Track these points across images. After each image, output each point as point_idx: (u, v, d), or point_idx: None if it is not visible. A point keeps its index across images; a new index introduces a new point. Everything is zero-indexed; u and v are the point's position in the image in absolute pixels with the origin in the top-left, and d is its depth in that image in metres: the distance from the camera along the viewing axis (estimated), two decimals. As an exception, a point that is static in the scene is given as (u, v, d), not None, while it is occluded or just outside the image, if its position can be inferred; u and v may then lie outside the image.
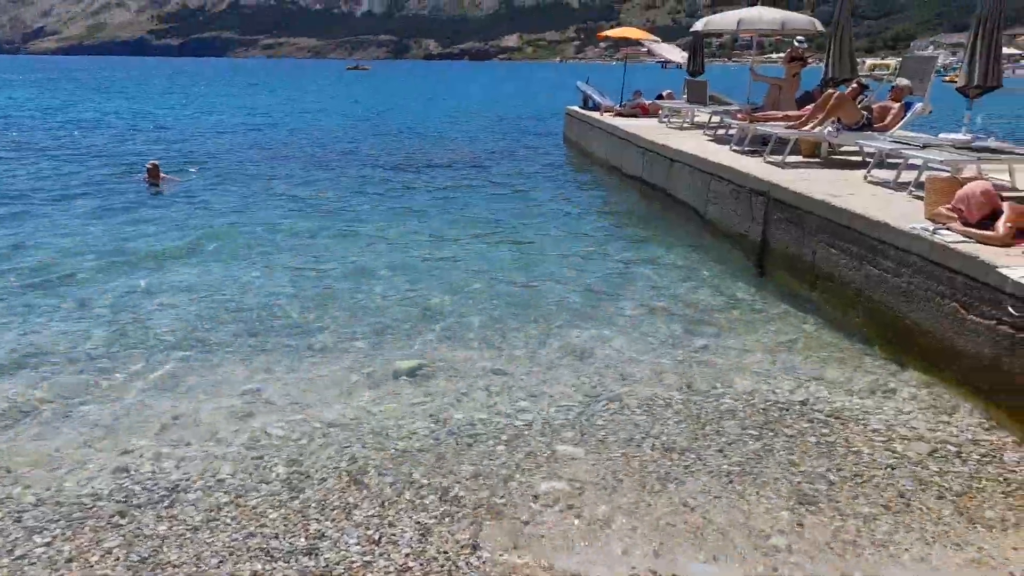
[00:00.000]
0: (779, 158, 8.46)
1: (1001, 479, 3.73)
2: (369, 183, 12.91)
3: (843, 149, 9.36)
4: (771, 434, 4.24)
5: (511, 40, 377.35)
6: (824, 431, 4.27)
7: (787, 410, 4.55)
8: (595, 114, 15.61)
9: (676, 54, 16.89)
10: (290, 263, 7.74)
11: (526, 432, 4.28)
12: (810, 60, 12.12)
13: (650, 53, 18.70)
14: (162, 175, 12.09)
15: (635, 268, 7.70)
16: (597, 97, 17.29)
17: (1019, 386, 4.18)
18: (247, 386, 4.85)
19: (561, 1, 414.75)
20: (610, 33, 17.77)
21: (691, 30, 13.09)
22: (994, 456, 3.95)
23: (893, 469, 3.83)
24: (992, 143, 7.55)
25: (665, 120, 13.71)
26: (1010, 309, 4.20)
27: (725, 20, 11.67)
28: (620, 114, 14.98)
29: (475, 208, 10.83)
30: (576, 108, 17.90)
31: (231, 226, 9.33)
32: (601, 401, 4.69)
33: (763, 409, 4.55)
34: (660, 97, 15.77)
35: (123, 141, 18.98)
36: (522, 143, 19.50)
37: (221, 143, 18.77)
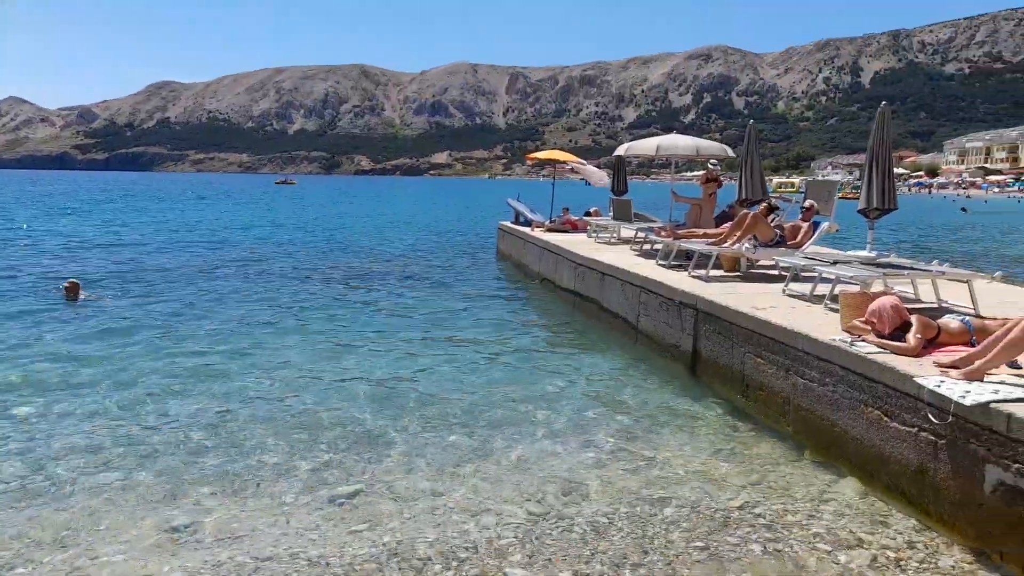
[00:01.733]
0: (703, 272, 8.93)
1: (939, 585, 3.85)
2: (296, 299, 12.79)
3: (760, 263, 9.95)
4: (716, 543, 4.27)
5: (441, 157, 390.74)
6: (767, 535, 4.33)
7: (728, 518, 4.60)
8: (527, 229, 16.17)
9: (597, 177, 17.85)
10: (214, 388, 7.33)
11: (473, 555, 4.16)
12: (724, 181, 13.05)
13: (575, 171, 19.73)
14: (81, 293, 11.68)
15: (573, 380, 7.81)
16: (528, 213, 17.97)
17: (945, 493, 4.38)
18: (172, 522, 4.52)
19: (488, 122, 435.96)
20: (538, 155, 18.75)
21: (614, 154, 13.98)
22: (931, 562, 4.08)
23: (838, 579, 3.89)
24: (895, 259, 8.23)
25: (594, 235, 14.33)
26: (930, 417, 4.47)
27: (645, 146, 12.55)
28: (551, 229, 15.57)
29: (410, 323, 10.85)
30: (508, 224, 18.51)
31: (146, 347, 8.91)
32: (548, 518, 4.63)
33: (708, 517, 4.60)
34: (588, 214, 16.55)
35: (34, 257, 18.36)
36: (458, 257, 19.90)
37: (139, 259, 18.38)
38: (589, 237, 14.34)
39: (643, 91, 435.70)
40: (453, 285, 14.50)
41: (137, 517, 4.59)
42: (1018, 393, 4.23)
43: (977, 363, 4.58)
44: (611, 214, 14.32)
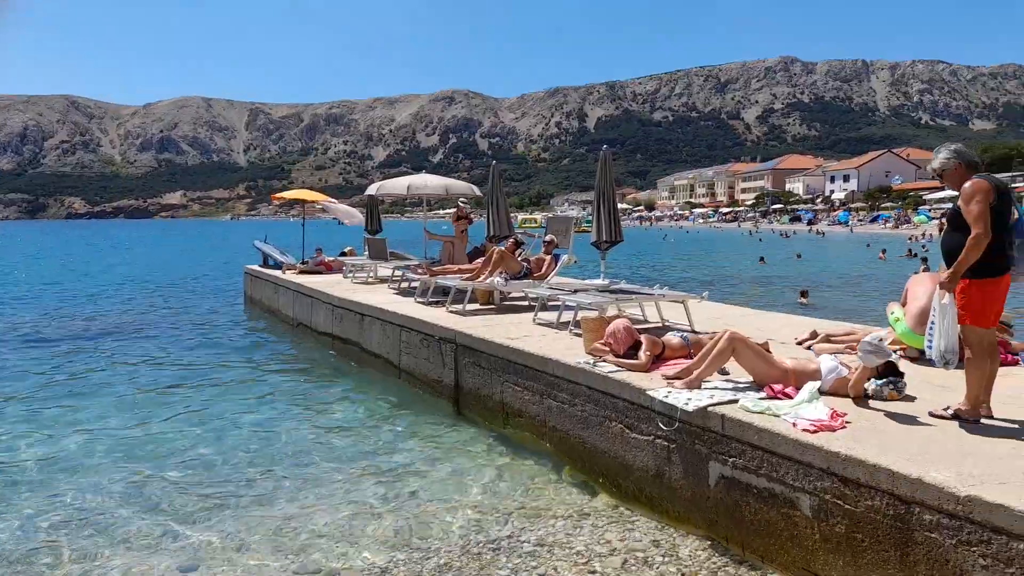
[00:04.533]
0: (460, 307, 9.21)
1: (680, 574, 4.29)
2: (17, 363, 10.89)
3: (513, 295, 10.51)
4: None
5: (174, 197, 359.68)
6: (533, 564, 4.51)
7: (498, 549, 4.72)
8: (277, 272, 15.44)
9: (349, 215, 17.67)
10: None
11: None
12: (474, 218, 13.65)
13: (325, 211, 19.33)
14: None
15: (335, 427, 7.55)
16: (278, 255, 17.18)
17: (679, 491, 4.93)
18: None
19: (227, 160, 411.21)
20: (285, 195, 18.03)
21: (366, 193, 13.96)
22: (672, 554, 4.54)
23: (598, 586, 4.17)
24: (624, 285, 9.17)
25: (350, 276, 14.10)
26: (661, 425, 5.02)
27: (396, 185, 12.71)
28: (304, 271, 15.03)
29: (154, 378, 9.74)
30: (256, 267, 17.53)
31: None
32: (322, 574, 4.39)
33: (477, 554, 4.67)
34: (343, 254, 16.26)
35: None
36: (200, 307, 18.31)
37: None
38: (345, 278, 14.08)
39: (391, 131, 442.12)
40: (198, 338, 13.31)
41: None
42: (728, 396, 4.92)
43: (695, 373, 5.26)
44: (366, 253, 14.22)
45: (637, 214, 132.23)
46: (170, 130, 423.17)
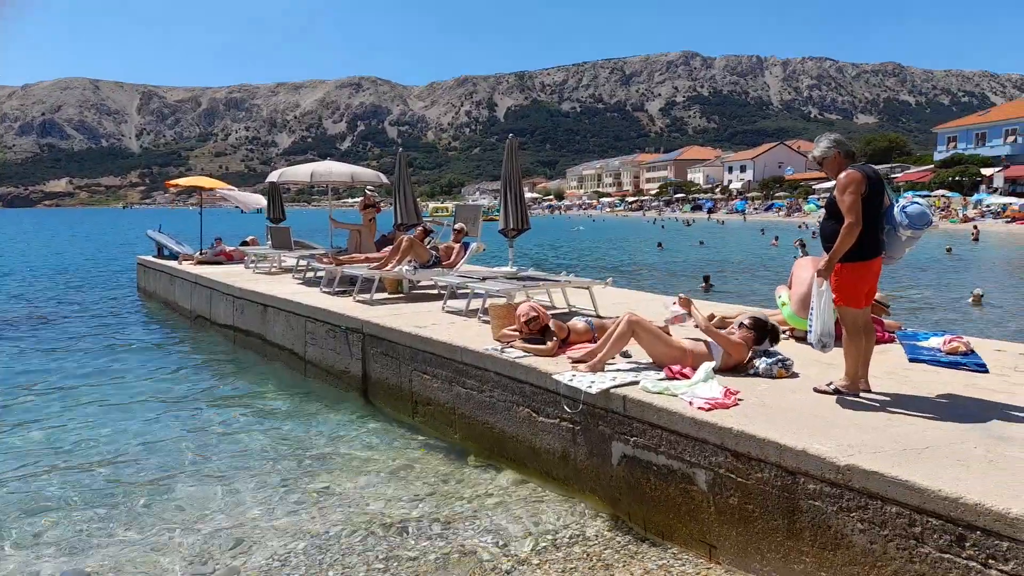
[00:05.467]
0: (368, 296, 9.06)
1: (585, 555, 4.40)
2: None
3: (422, 284, 10.43)
4: (395, 562, 4.33)
5: (59, 185, 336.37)
6: (441, 544, 4.52)
7: (406, 533, 4.71)
8: (173, 263, 14.72)
9: (251, 201, 17.04)
10: None
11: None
12: (382, 206, 13.43)
13: (225, 199, 18.53)
14: None
15: (239, 421, 7.29)
16: (173, 245, 16.37)
17: (585, 471, 5.05)
18: None
19: (118, 145, 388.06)
20: (179, 182, 17.11)
21: (267, 181, 13.46)
22: (579, 535, 4.65)
23: (508, 573, 4.22)
24: (532, 272, 9.27)
25: (252, 266, 13.60)
26: (566, 408, 5.11)
27: (299, 172, 12.32)
28: (202, 262, 14.38)
29: (41, 375, 9.09)
30: (150, 258, 16.64)
31: None
32: (218, 572, 4.24)
33: (382, 536, 4.64)
34: (245, 243, 15.66)
35: None
36: (90, 300, 17.21)
37: None
38: (247, 268, 13.57)
39: (296, 117, 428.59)
40: (87, 334, 12.52)
41: None
42: (630, 378, 5.07)
43: (598, 356, 5.38)
44: (269, 243, 13.75)
45: (547, 203, 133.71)
46: (53, 113, 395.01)
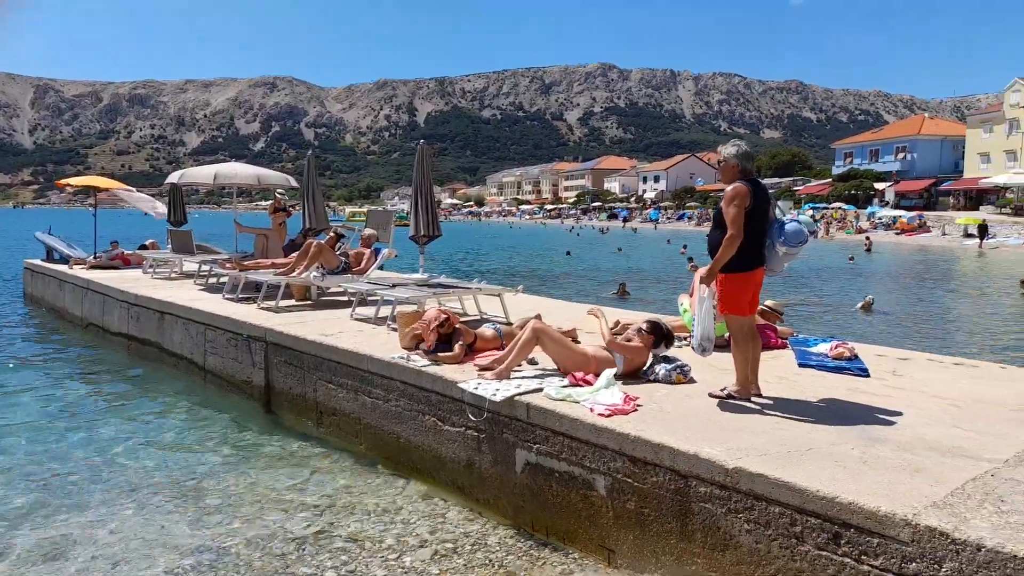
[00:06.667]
0: (273, 303, 8.77)
1: (487, 561, 4.38)
2: None
3: (331, 290, 10.19)
4: (294, 581, 4.19)
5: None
6: (343, 559, 4.41)
7: (303, 547, 4.57)
8: (64, 267, 13.85)
9: (149, 204, 16.23)
10: None
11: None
12: (292, 210, 13.07)
13: (124, 201, 17.58)
14: None
15: (131, 432, 6.90)
16: (64, 248, 15.40)
17: (489, 480, 5.04)
18: None
19: (9, 141, 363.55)
20: (72, 181, 16.06)
21: (167, 182, 12.85)
22: (481, 542, 4.63)
23: (406, 581, 4.15)
24: (444, 279, 9.21)
25: (151, 271, 12.96)
26: (471, 416, 5.09)
27: (202, 174, 11.83)
28: (96, 266, 13.58)
29: None
30: (38, 262, 15.60)
31: None
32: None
33: (280, 554, 4.49)
34: (144, 247, 14.90)
35: None
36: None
37: None
38: (145, 273, 12.90)
39: (206, 116, 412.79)
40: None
41: None
42: (535, 385, 5.09)
43: (504, 363, 5.39)
44: (169, 247, 13.13)
45: (467, 209, 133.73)
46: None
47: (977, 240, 40.03)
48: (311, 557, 4.46)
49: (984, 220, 42.15)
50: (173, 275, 12.43)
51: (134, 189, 17.04)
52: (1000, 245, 38.73)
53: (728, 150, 4.71)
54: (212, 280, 11.21)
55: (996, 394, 4.98)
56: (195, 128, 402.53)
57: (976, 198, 56.30)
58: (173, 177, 12.09)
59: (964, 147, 62.20)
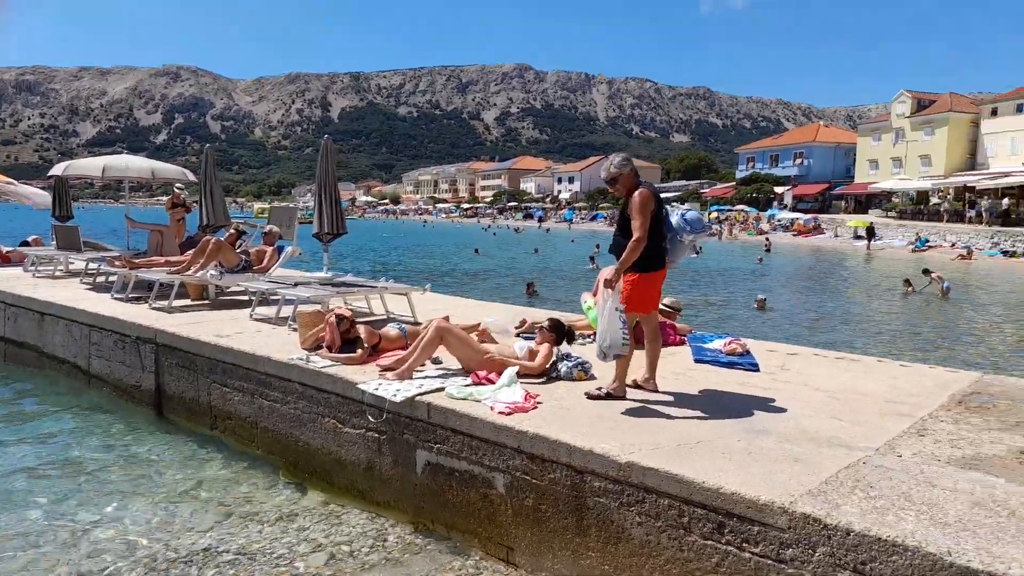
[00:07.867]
0: (166, 303, 8.35)
1: (384, 561, 4.31)
2: None
3: (232, 290, 9.78)
4: (179, 596, 3.99)
5: None
6: (232, 572, 4.23)
7: (190, 563, 4.35)
8: (-67, 265, 12.74)
9: (39, 198, 15.17)
10: None
11: None
12: (192, 206, 12.48)
13: (5, 195, 16.36)
14: None
15: (8, 448, 6.40)
16: (-65, 245, 14.18)
17: (389, 481, 4.95)
18: None
19: None
20: (-52, 172, 14.90)
21: (50, 174, 12.03)
22: (379, 543, 4.54)
23: (299, 589, 4.02)
24: (349, 278, 9.01)
25: (32, 269, 12.09)
26: (370, 418, 4.99)
27: (90, 166, 11.12)
28: (-29, 264, 12.57)
29: None
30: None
31: None
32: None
33: (164, 570, 4.26)
34: (26, 243, 13.91)
35: None
36: None
37: None
38: (27, 271, 12.04)
39: (103, 105, 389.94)
40: None
41: None
42: (437, 384, 5.04)
43: (406, 363, 5.31)
44: (54, 243, 12.30)
45: (383, 207, 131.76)
46: None
47: (866, 241, 42.64)
48: (196, 571, 4.25)
49: (872, 223, 44.93)
50: (58, 273, 11.64)
51: (15, 182, 15.87)
52: (886, 246, 41.42)
53: (618, 161, 4.80)
54: (100, 279, 10.56)
55: (872, 387, 5.30)
56: (90, 118, 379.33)
57: (865, 202, 59.99)
58: (57, 169, 11.32)
59: (855, 154, 66.13)
